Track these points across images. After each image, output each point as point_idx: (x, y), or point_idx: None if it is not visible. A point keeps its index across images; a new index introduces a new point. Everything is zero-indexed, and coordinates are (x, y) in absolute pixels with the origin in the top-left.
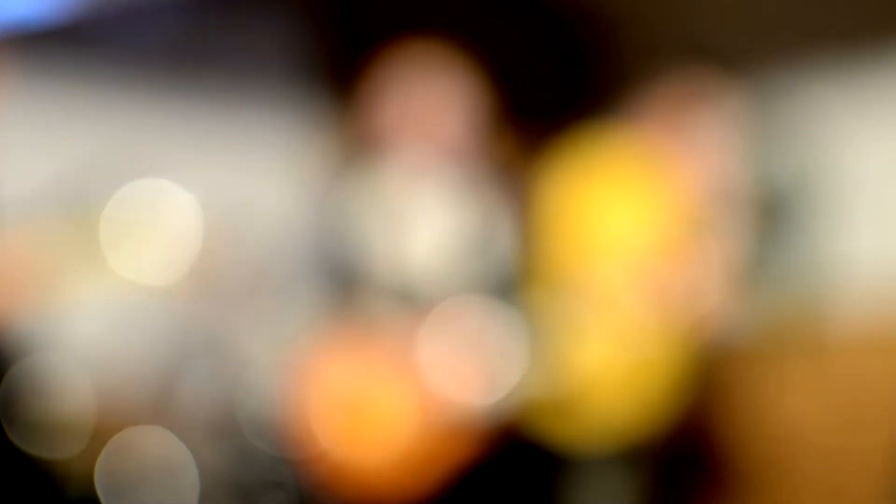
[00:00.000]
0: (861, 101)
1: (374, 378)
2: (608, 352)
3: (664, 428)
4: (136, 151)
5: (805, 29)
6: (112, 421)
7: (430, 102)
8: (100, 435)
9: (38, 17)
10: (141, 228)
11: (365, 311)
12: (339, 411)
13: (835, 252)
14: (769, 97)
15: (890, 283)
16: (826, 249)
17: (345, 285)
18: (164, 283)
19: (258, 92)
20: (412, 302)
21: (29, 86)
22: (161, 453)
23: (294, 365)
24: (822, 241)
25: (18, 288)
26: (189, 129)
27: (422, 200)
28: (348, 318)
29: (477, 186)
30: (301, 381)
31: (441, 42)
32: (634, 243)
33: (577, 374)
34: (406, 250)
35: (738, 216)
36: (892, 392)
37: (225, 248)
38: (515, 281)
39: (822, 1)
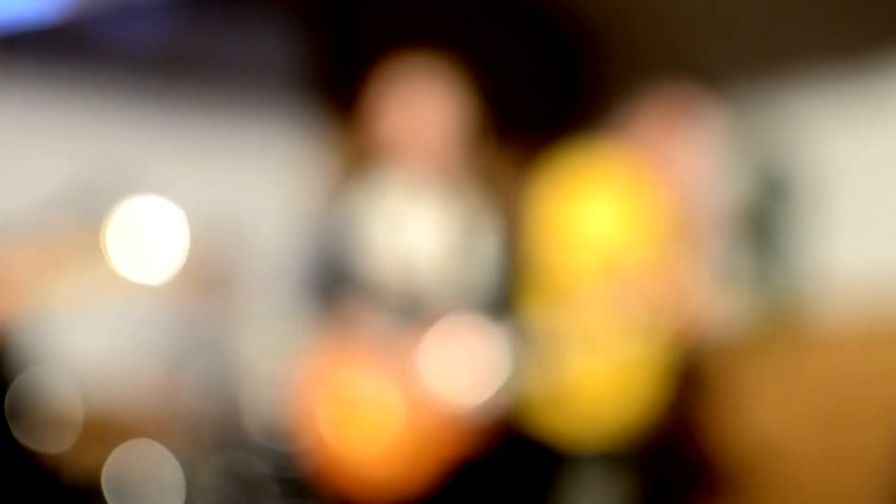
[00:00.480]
0: (839, 112)
1: (371, 376)
2: (595, 355)
3: (652, 427)
4: (134, 160)
5: (785, 43)
6: (111, 420)
7: (424, 115)
8: (98, 431)
9: (29, 24)
10: (139, 238)
11: (361, 313)
12: (337, 408)
13: (815, 259)
14: (750, 110)
15: (869, 287)
16: (807, 256)
17: (341, 290)
18: (163, 290)
19: (256, 102)
20: (407, 304)
21: (22, 95)
22: (160, 447)
23: (293, 364)
24: (803, 248)
25: (18, 295)
26: (190, 138)
27: (417, 210)
28: (345, 321)
29: (466, 197)
30: (300, 380)
31: (435, 55)
32: (620, 252)
33: (567, 376)
34: (400, 256)
35: (721, 226)
36: (873, 392)
37: (224, 255)
38: (506, 287)
39: (802, 16)
